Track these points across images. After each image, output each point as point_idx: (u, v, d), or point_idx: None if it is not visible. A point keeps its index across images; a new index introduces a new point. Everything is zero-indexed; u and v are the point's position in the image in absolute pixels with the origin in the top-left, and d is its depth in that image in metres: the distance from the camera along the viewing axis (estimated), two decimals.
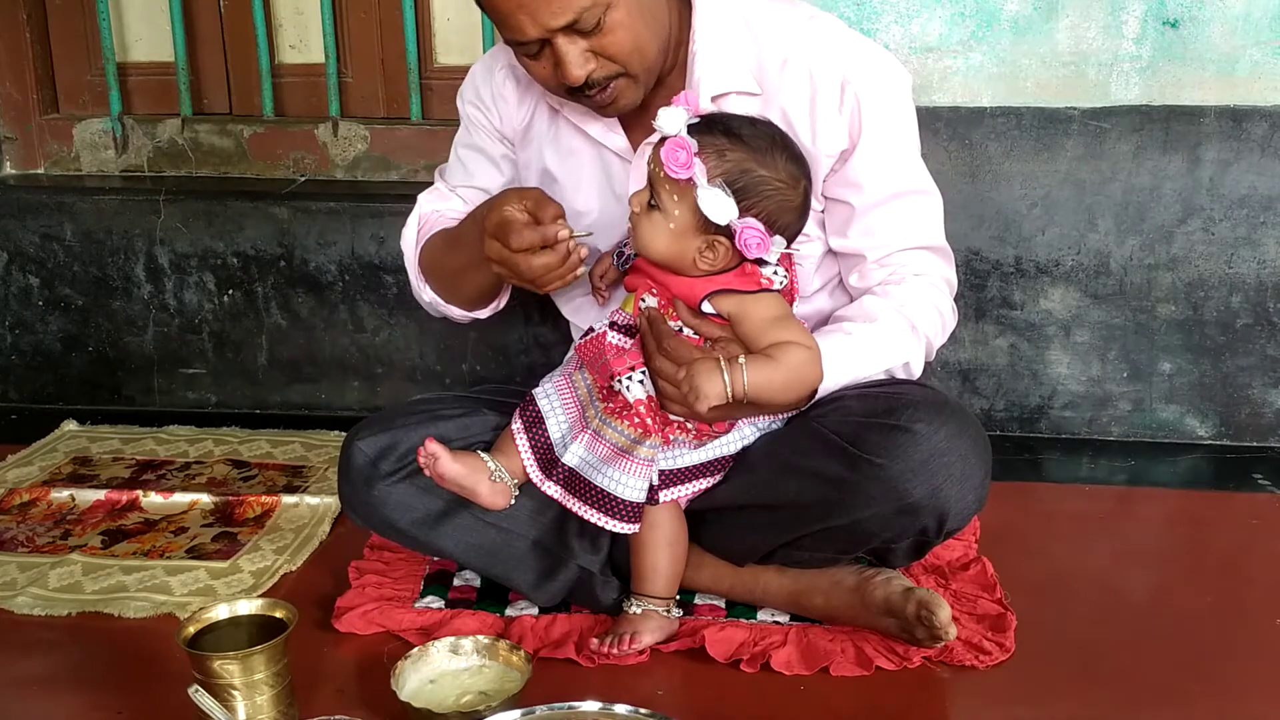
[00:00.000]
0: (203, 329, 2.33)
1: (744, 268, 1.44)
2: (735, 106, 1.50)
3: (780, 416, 1.53)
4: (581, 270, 1.47)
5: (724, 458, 1.52)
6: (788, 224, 1.41)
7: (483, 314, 1.73)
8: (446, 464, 1.45)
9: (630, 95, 1.48)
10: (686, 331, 1.46)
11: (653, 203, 1.41)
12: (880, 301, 1.53)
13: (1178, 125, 2.01)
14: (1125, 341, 2.12)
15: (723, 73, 1.52)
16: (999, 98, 2.04)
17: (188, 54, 2.38)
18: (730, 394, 1.34)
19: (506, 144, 1.68)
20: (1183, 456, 2.11)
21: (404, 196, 2.26)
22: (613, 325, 1.51)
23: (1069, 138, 2.04)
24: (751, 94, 1.52)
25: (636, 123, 1.56)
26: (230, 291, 2.31)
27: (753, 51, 1.52)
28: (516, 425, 1.52)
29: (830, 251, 1.59)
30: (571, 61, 1.40)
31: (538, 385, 1.57)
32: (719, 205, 1.34)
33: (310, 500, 1.92)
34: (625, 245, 1.59)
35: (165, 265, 2.30)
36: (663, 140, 1.37)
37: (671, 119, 1.38)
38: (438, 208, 1.72)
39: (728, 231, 1.38)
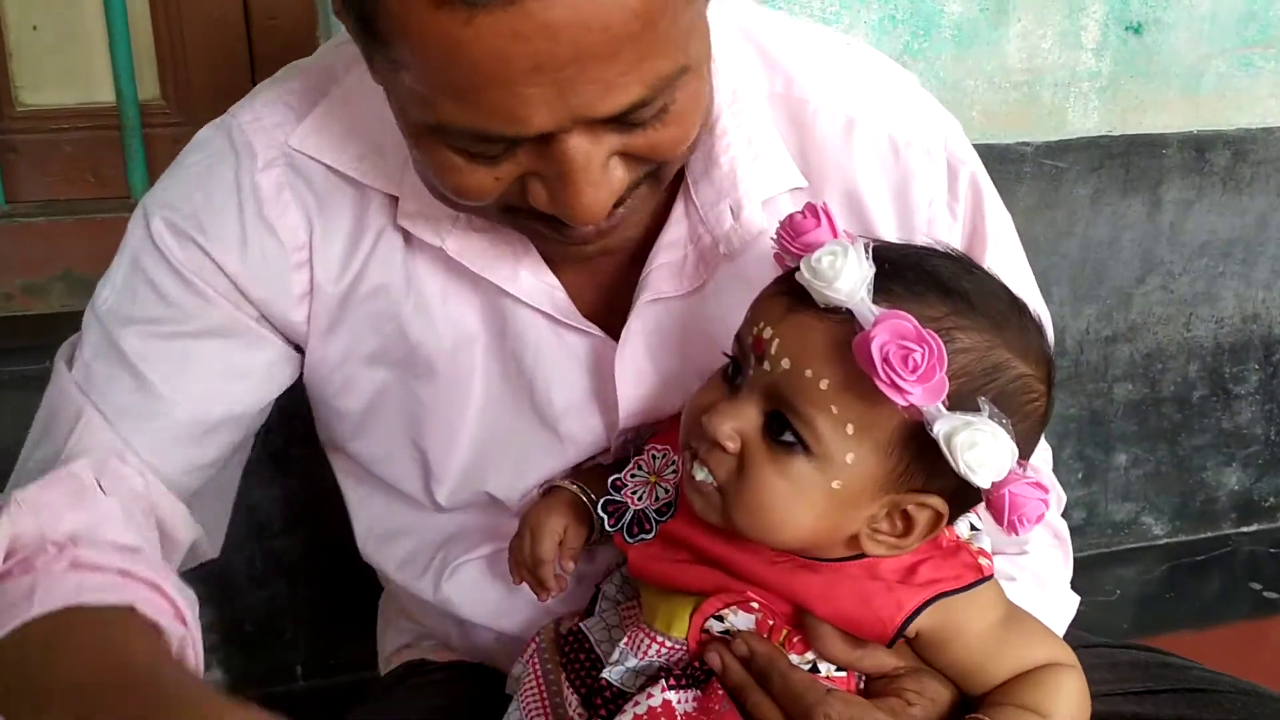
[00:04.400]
0: None
1: (939, 542, 0.74)
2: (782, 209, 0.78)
3: None
4: None
5: None
6: (1029, 455, 0.72)
7: None
8: None
9: (640, 216, 0.75)
10: (824, 669, 0.73)
11: (786, 436, 0.67)
12: None
13: (1139, 160, 1.57)
14: (1080, 435, 1.67)
15: (766, 162, 0.82)
16: None
17: None
18: None
19: (272, 328, 0.83)
20: (1151, 570, 1.70)
21: None
22: (666, 676, 0.73)
23: (1022, 183, 1.52)
24: (797, 188, 0.84)
25: (570, 260, 0.82)
26: None
27: (785, 107, 0.84)
28: None
29: None
30: (593, 181, 0.65)
31: None
32: (995, 454, 0.64)
33: None
34: (619, 486, 0.81)
35: None
36: (849, 323, 0.65)
37: (851, 272, 0.65)
38: (70, 528, 0.73)
39: (963, 489, 0.67)
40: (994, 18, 1.45)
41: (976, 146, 1.47)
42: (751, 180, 0.80)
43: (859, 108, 0.84)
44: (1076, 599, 0.93)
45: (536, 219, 0.71)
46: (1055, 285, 1.59)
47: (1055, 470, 1.65)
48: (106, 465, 0.77)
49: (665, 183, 0.74)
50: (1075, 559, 1.56)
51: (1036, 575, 0.89)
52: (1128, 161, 1.56)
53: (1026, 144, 1.52)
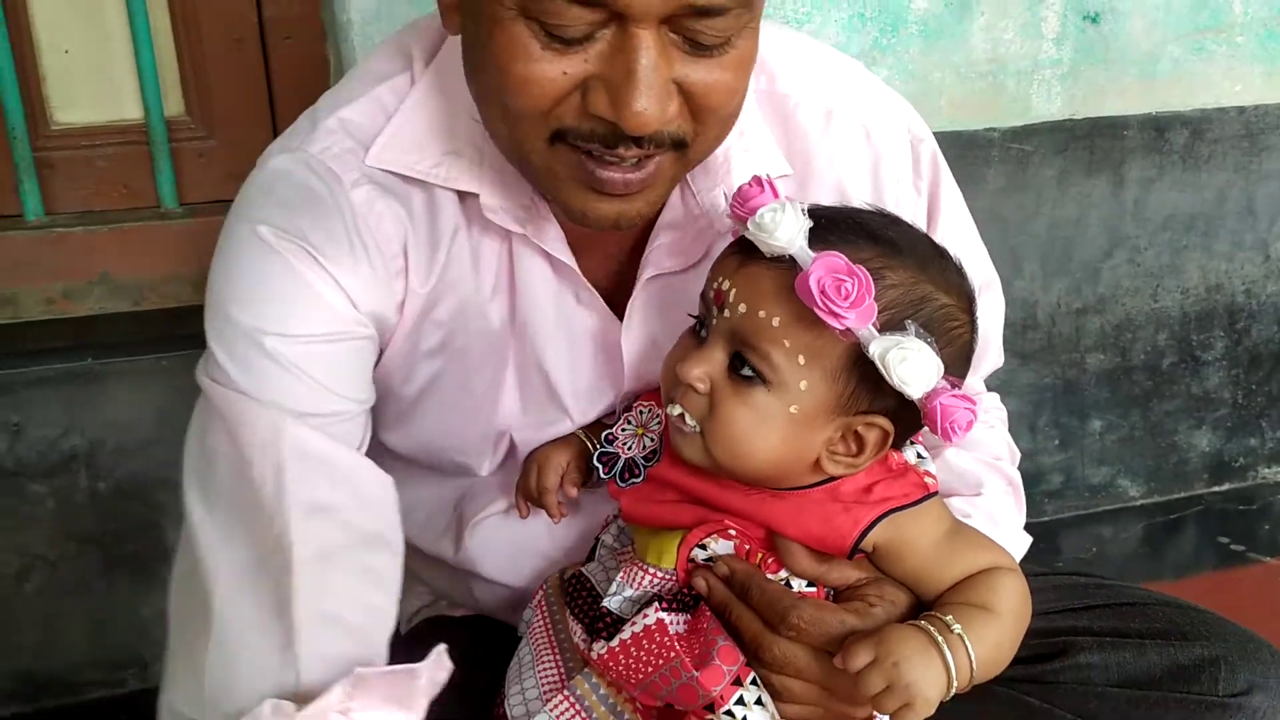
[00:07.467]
0: None
1: (888, 462, 0.85)
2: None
3: None
4: None
5: None
6: (961, 376, 0.83)
7: None
8: None
9: (660, 192, 0.83)
10: (796, 585, 0.84)
11: (746, 371, 0.79)
12: (971, 460, 1.02)
13: (1101, 141, 1.66)
14: (1056, 403, 1.76)
15: (756, 153, 0.92)
16: None
17: None
18: (955, 686, 0.77)
19: (364, 323, 0.87)
20: (1128, 529, 1.79)
21: (35, 352, 1.38)
22: (659, 600, 0.84)
23: (990, 166, 1.62)
24: (783, 175, 0.94)
25: (584, 242, 0.91)
26: None
27: (769, 103, 0.95)
28: None
29: None
30: (651, 86, 0.73)
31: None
32: (922, 367, 0.75)
33: None
34: (611, 439, 0.92)
35: None
36: (792, 268, 0.77)
37: (789, 223, 0.77)
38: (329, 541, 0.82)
39: (904, 409, 0.79)
40: (958, 12, 1.54)
41: (946, 134, 1.61)
42: (742, 169, 0.89)
43: (835, 100, 0.95)
44: (1029, 539, 1.03)
45: (581, 150, 0.77)
46: (1026, 262, 1.68)
47: (1034, 436, 1.77)
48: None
49: (690, 163, 0.82)
50: (1055, 521, 1.69)
51: (990, 514, 0.98)
52: (1091, 143, 1.66)
53: (993, 130, 1.61)
